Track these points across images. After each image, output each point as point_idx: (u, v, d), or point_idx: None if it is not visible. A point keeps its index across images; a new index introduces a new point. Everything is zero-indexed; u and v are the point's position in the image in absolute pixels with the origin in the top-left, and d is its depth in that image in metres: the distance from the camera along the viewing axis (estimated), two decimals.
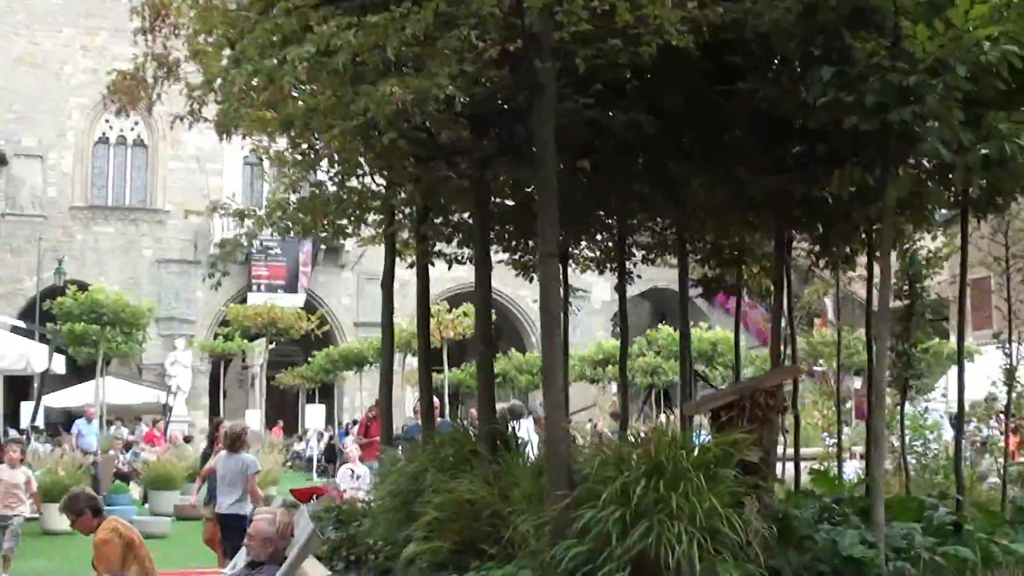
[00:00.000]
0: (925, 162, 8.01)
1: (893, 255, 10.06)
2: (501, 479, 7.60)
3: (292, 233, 11.78)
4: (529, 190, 9.86)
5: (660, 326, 30.27)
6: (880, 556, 6.76)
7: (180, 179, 42.91)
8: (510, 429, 11.57)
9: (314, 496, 13.31)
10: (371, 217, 11.47)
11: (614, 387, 37.85)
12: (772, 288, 10.82)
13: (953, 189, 8.59)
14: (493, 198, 10.17)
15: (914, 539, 7.14)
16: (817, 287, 12.25)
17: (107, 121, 43.08)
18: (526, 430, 11.85)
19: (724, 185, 8.34)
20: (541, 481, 7.13)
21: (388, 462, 9.75)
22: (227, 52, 7.56)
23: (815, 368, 27.10)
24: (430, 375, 10.27)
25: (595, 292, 38.18)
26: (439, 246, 11.06)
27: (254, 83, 7.16)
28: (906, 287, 10.35)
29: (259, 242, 40.14)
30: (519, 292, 30.46)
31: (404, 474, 8.55)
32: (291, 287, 42.06)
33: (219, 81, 7.50)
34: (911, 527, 7.32)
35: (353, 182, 10.77)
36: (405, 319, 22.57)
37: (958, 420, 9.07)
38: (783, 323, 9.65)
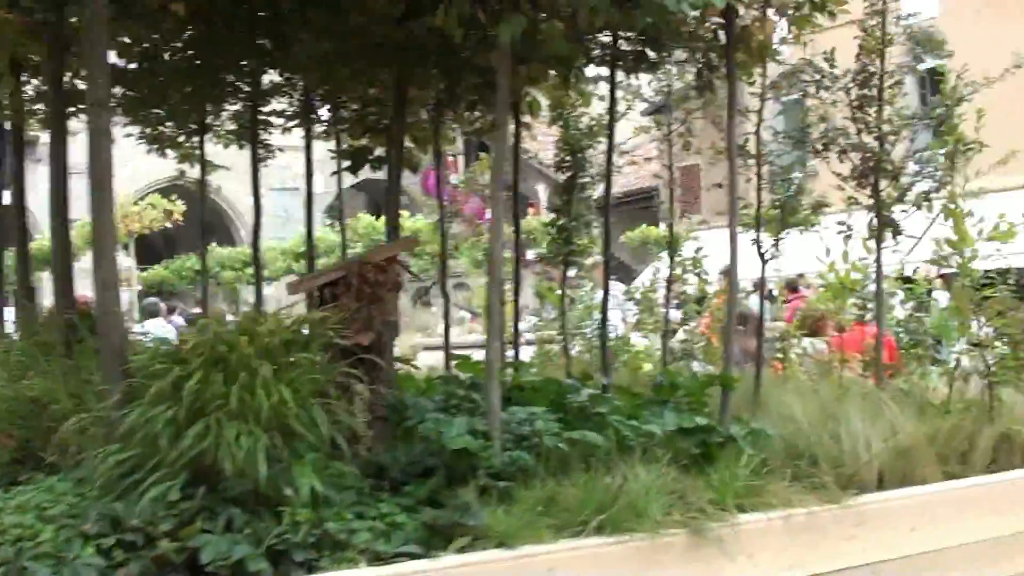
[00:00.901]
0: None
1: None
2: (74, 375, 6.41)
3: None
4: (146, 47, 8.62)
5: (360, 216, 29.22)
6: (494, 446, 5.99)
7: None
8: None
9: None
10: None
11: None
12: (430, 159, 10.00)
13: (595, 41, 7.88)
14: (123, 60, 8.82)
15: (537, 425, 6.39)
16: (482, 163, 11.43)
17: None
18: (154, 327, 10.81)
19: (334, 33, 7.27)
20: None
21: None
22: None
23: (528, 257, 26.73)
24: (27, 265, 8.93)
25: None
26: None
27: None
28: (568, 158, 9.73)
29: None
30: (228, 185, 28.76)
31: None
32: None
33: None
34: (536, 412, 6.57)
35: None
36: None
37: (603, 301, 8.49)
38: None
